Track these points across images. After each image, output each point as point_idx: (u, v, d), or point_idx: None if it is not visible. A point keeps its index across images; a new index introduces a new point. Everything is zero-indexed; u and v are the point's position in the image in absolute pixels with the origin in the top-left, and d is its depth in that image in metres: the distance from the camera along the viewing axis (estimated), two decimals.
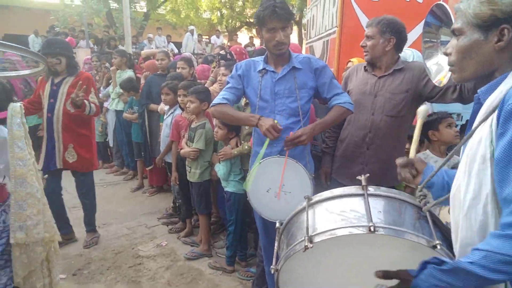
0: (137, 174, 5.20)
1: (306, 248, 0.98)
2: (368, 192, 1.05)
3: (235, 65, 2.25)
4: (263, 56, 2.16)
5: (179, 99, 3.44)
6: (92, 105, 3.21)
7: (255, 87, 2.14)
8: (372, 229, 0.93)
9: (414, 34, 3.46)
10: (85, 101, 3.11)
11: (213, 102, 2.18)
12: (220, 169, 2.97)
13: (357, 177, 1.12)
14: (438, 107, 2.98)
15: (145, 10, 15.33)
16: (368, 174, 1.08)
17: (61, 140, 3.24)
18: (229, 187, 2.98)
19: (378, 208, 1.02)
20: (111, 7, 13.39)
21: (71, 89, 3.13)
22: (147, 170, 4.75)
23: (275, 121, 1.93)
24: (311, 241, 1.00)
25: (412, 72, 2.19)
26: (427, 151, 2.47)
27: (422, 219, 1.05)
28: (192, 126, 3.21)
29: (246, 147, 2.81)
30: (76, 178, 3.46)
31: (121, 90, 5.09)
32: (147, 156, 4.56)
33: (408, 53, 2.74)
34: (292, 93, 2.08)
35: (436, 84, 1.67)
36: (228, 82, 2.23)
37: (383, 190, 1.08)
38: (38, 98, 3.31)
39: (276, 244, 1.18)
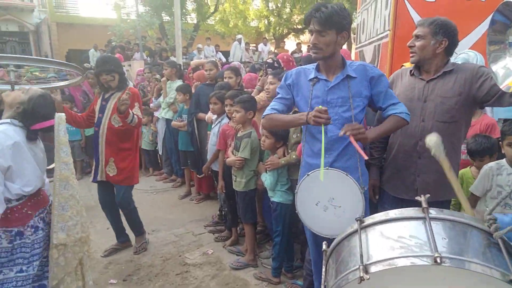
0: (185, 181, 5.30)
1: (361, 279, 0.88)
2: (430, 215, 0.93)
3: (285, 75, 2.18)
4: (315, 64, 2.07)
5: (226, 108, 3.45)
6: (135, 116, 3.24)
7: (305, 96, 2.05)
8: (438, 260, 0.81)
9: (474, 35, 3.22)
10: (129, 110, 3.15)
11: (264, 113, 2.14)
12: (266, 178, 2.92)
13: (416, 198, 1.00)
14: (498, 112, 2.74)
15: (195, 21, 15.81)
16: (428, 195, 0.96)
17: (104, 153, 3.31)
18: (276, 197, 2.91)
19: (442, 235, 0.89)
20: (164, 20, 13.97)
21: (117, 104, 3.18)
22: (196, 177, 4.81)
23: (320, 106, 1.85)
24: (366, 271, 0.89)
25: (464, 74, 2.02)
26: (503, 160, 2.26)
27: (493, 246, 0.91)
28: (238, 135, 3.20)
29: (294, 156, 2.74)
30: (116, 191, 3.48)
31: (171, 100, 5.24)
32: (198, 164, 4.62)
33: (472, 55, 2.53)
34: (346, 102, 1.97)
35: (504, 89, 1.50)
36: (278, 93, 2.19)
37: (446, 213, 0.94)
38: (92, 112, 3.42)
39: (323, 269, 1.08)
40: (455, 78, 2.04)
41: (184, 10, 14.01)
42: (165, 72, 5.29)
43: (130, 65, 9.98)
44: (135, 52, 11.72)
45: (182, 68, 7.91)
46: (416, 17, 3.29)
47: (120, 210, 3.58)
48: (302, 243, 3.07)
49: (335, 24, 1.87)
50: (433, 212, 0.94)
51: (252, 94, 3.90)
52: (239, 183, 3.18)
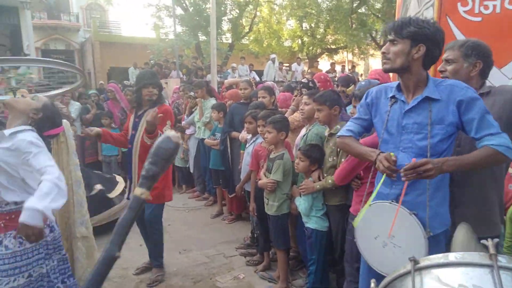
0: (217, 200, 5.27)
1: None
2: (499, 263, 0.81)
3: (366, 92, 2.01)
4: (397, 82, 1.87)
5: (258, 129, 3.41)
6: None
7: (383, 116, 1.85)
8: None
9: None
10: (157, 129, 3.07)
11: (339, 133, 2.04)
12: (300, 203, 2.82)
13: (482, 241, 0.89)
14: None
15: (230, 41, 16.13)
16: (497, 240, 0.85)
17: (137, 171, 3.26)
18: (311, 223, 2.80)
19: None
20: (200, 39, 14.35)
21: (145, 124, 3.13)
22: (228, 197, 4.78)
23: (392, 154, 1.68)
24: None
25: (503, 97, 1.86)
26: None
27: None
28: (271, 156, 3.14)
29: (330, 181, 2.63)
30: (146, 210, 3.38)
31: (207, 120, 5.28)
32: (230, 183, 4.59)
33: None
34: (423, 128, 1.71)
35: None
36: (358, 111, 2.05)
37: None
38: (127, 129, 3.41)
39: None
40: (493, 101, 1.87)
41: (219, 30, 14.33)
42: (197, 94, 5.36)
43: (166, 83, 10.24)
44: (172, 70, 12.05)
45: (218, 86, 8.03)
46: (460, 37, 3.14)
47: None
48: (339, 274, 2.92)
49: (410, 34, 1.67)
50: (503, 260, 0.82)
51: (286, 114, 3.85)
52: (271, 206, 3.10)
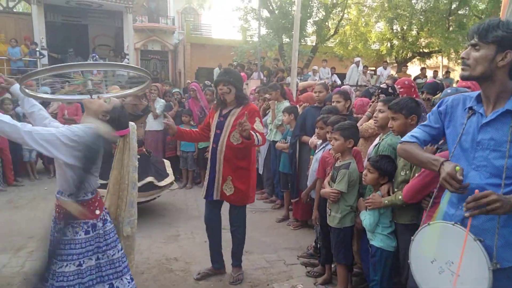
0: (284, 204, 5.19)
1: None
2: None
3: (440, 100, 1.84)
4: (478, 92, 1.66)
5: (327, 135, 3.24)
6: (258, 134, 3.07)
7: (457, 129, 1.67)
8: None
9: None
10: (251, 132, 2.97)
11: (402, 139, 1.87)
12: (366, 218, 2.60)
13: None
14: None
15: (314, 43, 15.92)
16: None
17: (221, 172, 3.21)
18: (376, 241, 2.58)
19: None
20: (284, 42, 14.39)
21: (236, 121, 3.07)
22: (293, 202, 4.67)
23: (457, 168, 1.46)
24: None
25: None
26: None
27: None
28: (336, 165, 2.96)
29: (400, 197, 2.38)
30: (230, 211, 3.39)
31: (279, 122, 5.23)
32: (294, 188, 4.48)
33: None
34: (500, 146, 1.50)
35: None
36: (427, 118, 1.86)
37: None
38: (207, 126, 3.41)
39: None
40: None
41: (303, 33, 14.20)
42: (271, 96, 5.33)
43: (247, 84, 10.46)
44: (253, 71, 12.27)
45: (284, 88, 7.94)
46: None
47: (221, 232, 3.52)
48: None
49: (497, 39, 1.48)
50: None
51: (360, 121, 3.62)
52: (333, 217, 2.92)
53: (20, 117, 6.65)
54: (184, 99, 7.51)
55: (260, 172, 5.78)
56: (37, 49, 11.52)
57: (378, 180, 2.59)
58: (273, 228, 4.76)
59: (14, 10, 13.92)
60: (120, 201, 2.58)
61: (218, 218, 3.45)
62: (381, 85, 3.60)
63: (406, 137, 1.82)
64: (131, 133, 2.49)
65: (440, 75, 14.31)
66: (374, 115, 3.00)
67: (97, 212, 2.22)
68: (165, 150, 6.75)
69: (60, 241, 2.11)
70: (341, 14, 15.86)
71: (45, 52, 11.95)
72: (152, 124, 6.47)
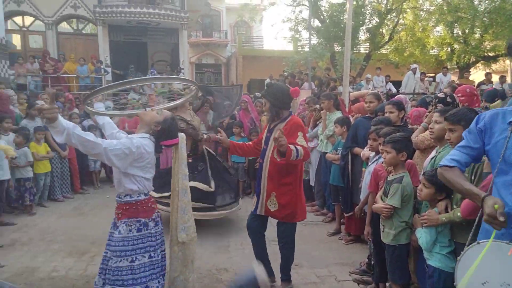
0: (336, 217, 5.05)
1: None
2: None
3: (477, 117, 1.75)
4: None
5: (379, 147, 3.12)
6: (300, 148, 2.93)
7: (499, 145, 1.59)
8: None
9: None
10: (290, 146, 2.87)
11: (441, 163, 1.80)
12: (422, 235, 2.46)
13: None
14: None
15: (368, 51, 15.53)
16: None
17: (266, 187, 3.19)
18: (433, 261, 2.42)
19: None
20: (335, 50, 14.21)
21: (288, 137, 3.01)
22: (345, 216, 4.54)
23: (496, 206, 1.38)
24: None
25: None
26: None
27: None
28: (389, 178, 2.83)
29: (459, 214, 2.22)
30: (278, 226, 3.33)
31: (330, 133, 5.14)
32: (346, 201, 4.36)
33: None
34: None
35: None
36: (463, 138, 1.79)
37: None
38: (260, 141, 3.41)
39: None
40: None
41: (356, 41, 13.92)
42: (323, 105, 5.25)
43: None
44: (304, 82, 12.23)
45: (337, 98, 7.78)
46: None
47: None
48: None
49: None
50: None
51: (415, 132, 3.44)
52: (386, 234, 2.79)
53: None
54: (235, 112, 7.66)
55: (311, 183, 5.70)
56: (102, 66, 12.41)
57: (434, 196, 2.44)
58: (324, 241, 4.65)
59: (83, 32, 15.17)
60: (172, 208, 2.74)
61: (259, 228, 3.39)
62: (439, 94, 3.41)
63: (446, 161, 1.73)
64: (180, 142, 2.64)
65: (509, 79, 13.24)
66: (430, 126, 2.84)
67: (149, 213, 2.41)
68: None
69: (113, 238, 2.32)
70: (396, 20, 15.35)
71: (109, 69, 12.85)
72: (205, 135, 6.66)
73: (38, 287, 3.45)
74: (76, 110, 7.64)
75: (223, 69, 23.55)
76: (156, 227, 2.44)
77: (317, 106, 5.60)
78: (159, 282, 2.43)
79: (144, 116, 2.47)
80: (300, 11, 15.43)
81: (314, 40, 14.02)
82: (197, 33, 22.53)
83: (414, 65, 12.24)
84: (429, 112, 3.76)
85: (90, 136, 2.13)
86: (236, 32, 25.20)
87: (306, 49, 13.83)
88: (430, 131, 2.81)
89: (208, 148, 5.45)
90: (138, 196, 2.37)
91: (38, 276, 3.66)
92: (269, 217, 3.35)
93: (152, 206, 2.48)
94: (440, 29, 15.95)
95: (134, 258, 2.31)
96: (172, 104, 3.13)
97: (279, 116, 3.20)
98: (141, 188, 2.37)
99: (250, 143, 3.60)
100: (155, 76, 3.07)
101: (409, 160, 2.91)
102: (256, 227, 3.42)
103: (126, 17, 13.18)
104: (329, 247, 4.48)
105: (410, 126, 4.05)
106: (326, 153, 5.12)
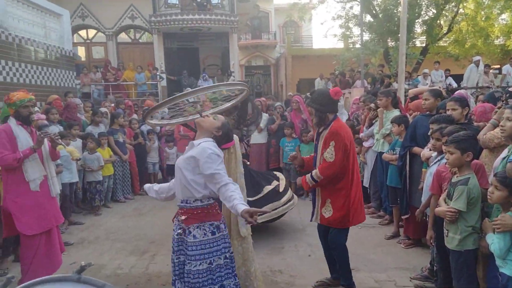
0: (393, 220, 4.84)
1: None
2: None
3: None
4: None
5: (443, 147, 2.93)
6: (315, 172, 3.07)
7: None
8: None
9: None
10: (306, 176, 3.11)
11: None
12: (494, 242, 2.28)
13: None
14: None
15: (424, 44, 14.75)
16: None
17: (320, 195, 3.20)
18: (507, 269, 2.23)
19: None
20: (389, 46, 13.65)
21: (324, 145, 3.08)
22: (403, 218, 4.33)
23: None
24: None
25: None
26: None
27: None
28: (453, 180, 2.65)
29: None
30: (330, 232, 3.27)
31: (387, 132, 4.95)
32: (404, 203, 4.16)
33: None
34: None
35: None
36: None
37: None
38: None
39: None
40: None
41: (411, 34, 13.26)
42: (380, 102, 5.05)
43: (350, 93, 10.17)
44: (356, 79, 11.88)
45: (405, 94, 7.45)
46: None
47: None
48: None
49: None
50: None
51: (484, 130, 3.20)
52: (451, 239, 2.61)
53: (145, 135, 7.57)
54: (286, 112, 7.64)
55: (366, 185, 5.50)
56: (158, 73, 12.99)
57: (508, 199, 2.25)
58: (381, 245, 4.48)
59: (140, 41, 15.98)
60: None
61: (327, 233, 3.33)
62: (510, 89, 3.14)
63: None
64: (236, 143, 2.81)
65: None
66: (501, 123, 2.61)
67: (218, 216, 2.50)
68: (269, 162, 6.93)
69: (188, 243, 2.39)
70: (455, 10, 14.40)
71: (163, 75, 13.42)
72: (257, 137, 6.72)
73: None
74: (135, 116, 8.06)
75: (272, 70, 23.60)
76: (225, 229, 2.51)
77: (372, 104, 5.41)
78: (233, 280, 2.49)
79: (203, 123, 2.52)
80: (351, 7, 15.04)
81: (366, 36, 13.57)
82: (246, 35, 22.81)
83: (477, 57, 11.39)
84: (499, 108, 3.49)
85: (240, 199, 2.27)
86: (285, 33, 25.15)
87: (358, 45, 13.43)
88: (501, 129, 2.59)
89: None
90: (208, 200, 2.43)
91: (104, 273, 3.91)
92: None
93: (219, 210, 2.54)
94: (506, 16, 14.72)
95: (212, 261, 2.38)
96: (225, 106, 3.20)
97: (325, 121, 3.17)
98: (211, 193, 2.42)
99: (299, 142, 3.61)
100: (207, 86, 3.13)
101: (476, 161, 2.71)
102: (324, 231, 3.37)
103: (179, 25, 13.67)
104: (387, 250, 4.31)
105: (475, 124, 3.78)
106: (382, 153, 4.93)
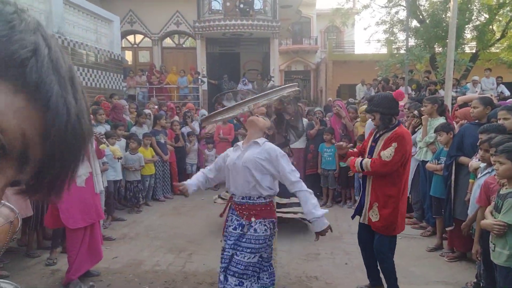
0: (436, 232, 4.63)
1: None
2: None
3: None
4: None
5: (491, 158, 2.78)
6: (366, 161, 3.12)
7: None
8: None
9: None
10: (357, 159, 3.16)
11: None
12: None
13: None
14: None
15: (474, 51, 14.05)
16: None
17: (369, 197, 3.19)
18: None
19: None
20: (436, 51, 13.13)
21: (384, 147, 3.06)
22: (449, 230, 4.13)
23: None
24: None
25: None
26: None
27: None
28: (501, 192, 2.50)
29: None
30: (376, 237, 3.24)
31: (431, 140, 4.77)
32: (447, 215, 3.97)
33: None
34: None
35: None
36: None
37: None
38: (364, 149, 3.42)
39: None
40: None
41: (460, 40, 12.68)
42: (425, 109, 4.87)
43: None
44: (400, 86, 11.51)
45: (452, 102, 7.14)
46: None
47: None
48: None
49: None
50: None
51: None
52: (498, 254, 2.46)
53: (185, 136, 7.77)
54: (326, 118, 7.55)
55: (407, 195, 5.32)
56: (199, 77, 13.30)
57: None
58: (423, 257, 4.30)
59: (183, 46, 16.47)
60: None
61: (369, 238, 3.32)
62: None
63: None
64: None
65: None
66: None
67: (275, 212, 2.66)
68: (306, 168, 6.86)
69: (247, 235, 2.50)
70: (510, 14, 13.62)
71: (205, 79, 13.72)
72: (295, 142, 6.67)
73: (144, 279, 3.80)
74: (176, 118, 8.30)
75: (312, 75, 23.41)
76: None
77: (415, 111, 5.22)
78: (267, 272, 2.60)
79: (258, 122, 2.65)
80: (397, 12, 14.64)
81: (412, 42, 13.15)
82: (287, 40, 22.81)
83: None
84: None
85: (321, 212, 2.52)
86: (326, 38, 24.92)
87: (402, 51, 13.03)
88: None
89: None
90: (270, 198, 2.58)
91: (143, 268, 4.04)
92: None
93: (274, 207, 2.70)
94: None
95: (262, 254, 2.53)
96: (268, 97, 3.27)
97: (389, 124, 3.15)
98: (274, 191, 2.60)
99: (357, 150, 3.55)
100: (263, 93, 3.16)
101: None
102: (367, 239, 3.35)
103: (222, 30, 13.94)
104: (429, 263, 4.13)
105: None
106: (425, 161, 4.75)
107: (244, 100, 2.88)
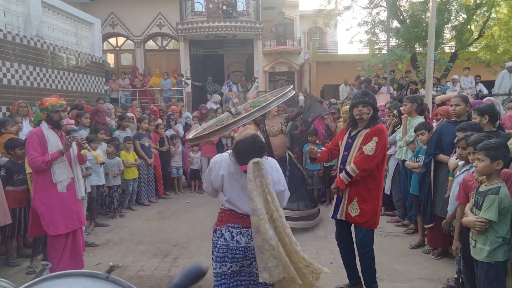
0: (418, 229, 4.72)
1: None
2: None
3: None
4: None
5: (469, 156, 2.84)
6: (350, 167, 3.11)
7: None
8: None
9: None
10: (341, 175, 3.16)
11: None
12: None
13: None
14: None
15: (453, 50, 14.37)
16: None
17: (347, 192, 3.21)
18: None
19: None
20: (417, 51, 13.37)
21: (363, 143, 3.10)
22: (428, 228, 4.21)
23: None
24: None
25: None
26: None
27: None
28: (480, 189, 2.56)
29: None
30: (356, 233, 3.28)
31: (410, 139, 4.85)
32: (426, 212, 4.05)
33: None
34: None
35: None
36: None
37: None
38: (336, 146, 3.46)
39: None
40: None
41: (440, 40, 12.94)
42: (404, 108, 4.95)
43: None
44: (382, 86, 11.70)
45: (432, 101, 7.27)
46: None
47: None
48: None
49: None
50: None
51: None
52: (479, 250, 2.52)
53: (169, 139, 7.72)
54: (309, 118, 7.58)
55: (387, 192, 5.38)
56: (183, 79, 13.22)
57: (491, 168, 2.17)
58: (405, 254, 4.36)
59: (166, 48, 16.35)
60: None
61: (349, 236, 3.38)
62: None
63: None
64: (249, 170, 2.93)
65: None
66: None
67: None
68: None
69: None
70: (487, 15, 13.98)
71: (189, 81, 13.64)
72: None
73: None
74: (160, 121, 8.23)
75: (296, 76, 23.59)
76: None
77: (395, 111, 5.31)
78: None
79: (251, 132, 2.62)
80: (378, 13, 14.87)
81: (393, 42, 13.36)
82: (271, 42, 22.91)
83: (510, 63, 10.96)
84: None
85: None
86: (309, 39, 25.12)
87: (384, 51, 13.23)
88: None
89: (291, 154, 5.48)
90: None
91: (128, 274, 3.99)
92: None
93: None
94: None
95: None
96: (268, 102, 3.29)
97: (373, 123, 3.18)
98: None
99: (325, 149, 3.56)
100: (258, 108, 3.18)
101: (506, 169, 2.61)
102: (347, 238, 3.40)
103: (205, 32, 13.89)
104: (412, 260, 4.20)
105: (506, 131, 3.65)
106: (405, 160, 4.83)
107: (229, 122, 2.92)
